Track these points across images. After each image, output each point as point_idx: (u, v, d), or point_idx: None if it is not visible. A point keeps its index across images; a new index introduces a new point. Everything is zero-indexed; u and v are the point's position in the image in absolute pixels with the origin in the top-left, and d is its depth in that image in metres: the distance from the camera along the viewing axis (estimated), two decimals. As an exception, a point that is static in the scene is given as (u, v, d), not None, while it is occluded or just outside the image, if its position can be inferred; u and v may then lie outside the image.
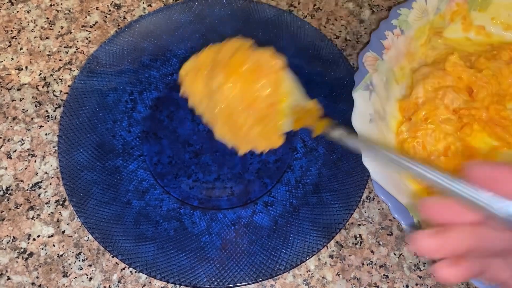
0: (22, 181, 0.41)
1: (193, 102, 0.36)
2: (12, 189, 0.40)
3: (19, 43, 0.47)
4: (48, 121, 0.43)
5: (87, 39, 0.48)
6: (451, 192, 0.23)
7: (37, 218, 0.39)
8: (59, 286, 0.37)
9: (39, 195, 0.40)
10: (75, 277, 0.37)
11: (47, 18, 0.49)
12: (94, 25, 0.48)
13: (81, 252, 0.38)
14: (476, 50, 0.44)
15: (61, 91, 0.45)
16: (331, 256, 0.39)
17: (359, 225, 0.40)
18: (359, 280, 0.38)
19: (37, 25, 0.48)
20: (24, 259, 0.37)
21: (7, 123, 0.43)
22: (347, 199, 0.38)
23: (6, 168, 0.41)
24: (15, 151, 0.42)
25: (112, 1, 0.50)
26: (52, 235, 0.38)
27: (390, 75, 0.41)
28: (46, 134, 0.43)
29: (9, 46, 0.47)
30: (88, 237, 0.38)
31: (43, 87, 0.45)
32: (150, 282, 0.37)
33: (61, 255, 0.38)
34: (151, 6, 0.50)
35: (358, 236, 0.39)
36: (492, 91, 0.40)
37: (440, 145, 0.39)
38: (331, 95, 0.44)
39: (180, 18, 0.46)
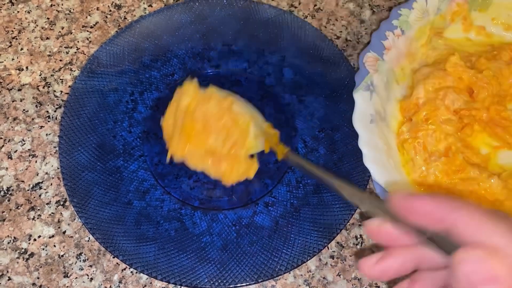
0: (22, 181, 0.41)
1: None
2: (12, 190, 0.40)
3: (19, 44, 0.47)
4: (48, 121, 0.43)
5: (87, 39, 0.48)
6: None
7: (37, 218, 0.39)
8: (60, 286, 0.37)
9: (39, 195, 0.40)
10: (76, 278, 0.37)
11: (48, 18, 0.49)
12: (94, 25, 0.48)
13: (82, 253, 0.38)
14: (476, 50, 0.45)
15: (61, 91, 0.45)
16: (332, 257, 0.39)
17: (360, 225, 0.40)
18: (360, 280, 0.38)
19: (37, 26, 0.48)
20: (25, 260, 0.37)
21: (8, 123, 0.43)
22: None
23: (6, 168, 0.41)
24: (15, 151, 0.42)
25: (113, 2, 0.50)
26: (53, 236, 0.38)
27: (391, 76, 0.41)
28: (46, 134, 0.43)
29: (10, 46, 0.47)
30: (89, 238, 0.38)
31: (43, 88, 0.45)
32: (151, 283, 0.37)
33: (62, 256, 0.38)
34: (151, 6, 0.50)
35: (359, 236, 0.40)
36: (493, 91, 0.41)
37: (441, 145, 0.39)
38: (332, 95, 0.44)
39: (180, 19, 0.46)
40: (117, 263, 0.38)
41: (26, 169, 0.41)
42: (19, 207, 0.39)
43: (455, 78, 0.41)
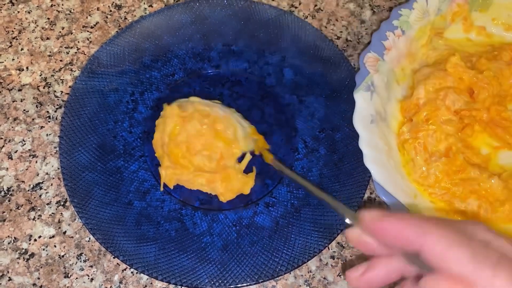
0: (23, 181, 0.41)
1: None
2: (13, 190, 0.40)
3: (20, 44, 0.47)
4: (49, 121, 0.43)
5: (88, 39, 0.48)
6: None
7: (38, 218, 0.39)
8: (60, 287, 0.37)
9: (40, 195, 0.40)
10: (76, 278, 0.37)
11: (48, 18, 0.49)
12: (95, 25, 0.48)
13: (82, 253, 0.38)
14: (477, 50, 0.45)
15: (62, 91, 0.45)
16: (332, 257, 0.39)
17: (360, 225, 0.40)
18: (360, 280, 0.38)
19: (38, 26, 0.48)
20: (25, 260, 0.37)
21: (8, 123, 0.43)
22: (349, 200, 0.38)
23: (7, 168, 0.41)
24: (16, 151, 0.42)
25: (113, 2, 0.50)
26: (53, 236, 0.38)
27: (391, 76, 0.41)
28: (47, 134, 0.43)
29: (10, 46, 0.47)
30: (89, 238, 0.38)
31: (44, 88, 0.45)
32: (151, 283, 0.37)
33: (62, 256, 0.38)
34: (152, 6, 0.50)
35: (359, 236, 0.39)
36: (493, 92, 0.41)
37: (441, 145, 0.39)
38: (332, 95, 0.44)
39: (181, 19, 0.46)
40: (117, 263, 0.38)
41: (27, 169, 0.41)
42: (19, 208, 0.39)
43: (455, 78, 0.41)
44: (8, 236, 0.38)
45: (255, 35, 0.47)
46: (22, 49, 0.47)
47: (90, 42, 0.47)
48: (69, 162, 0.39)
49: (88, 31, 0.48)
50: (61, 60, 0.46)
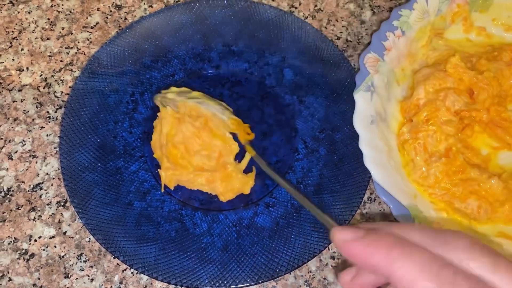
0: (23, 182, 0.41)
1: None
2: (13, 190, 0.40)
3: (20, 44, 0.47)
4: (49, 122, 0.43)
5: (88, 40, 0.48)
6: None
7: (38, 219, 0.39)
8: (60, 287, 0.37)
9: (40, 196, 0.40)
10: (77, 278, 0.37)
11: (48, 19, 0.49)
12: (95, 26, 0.48)
13: (83, 253, 0.38)
14: (477, 51, 0.45)
15: (62, 92, 0.45)
16: (332, 257, 0.39)
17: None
18: (360, 281, 0.38)
19: (38, 26, 0.48)
20: (26, 260, 0.37)
21: (8, 124, 0.43)
22: (349, 200, 0.38)
23: (7, 169, 0.41)
24: (16, 152, 0.42)
25: (113, 2, 0.50)
26: (53, 236, 0.38)
27: (391, 76, 0.41)
28: (47, 135, 0.43)
29: (10, 47, 0.47)
30: (90, 238, 0.38)
31: (44, 88, 0.45)
32: (151, 283, 0.37)
33: (63, 256, 0.38)
34: (152, 7, 0.50)
35: (359, 237, 0.39)
36: (493, 92, 0.41)
37: (441, 146, 0.39)
38: (332, 96, 0.44)
39: (181, 19, 0.46)
40: (117, 263, 0.38)
41: (27, 169, 0.41)
42: (19, 208, 0.39)
43: (455, 79, 0.41)
44: (8, 236, 0.38)
45: (255, 35, 0.47)
46: (22, 50, 0.47)
47: (90, 42, 0.47)
48: (69, 163, 0.39)
49: (88, 31, 0.48)
50: (61, 61, 0.46)
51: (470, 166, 0.38)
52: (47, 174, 0.41)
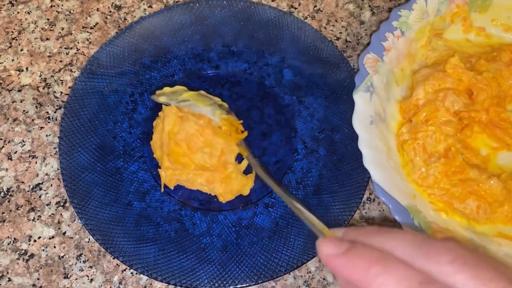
0: (22, 182, 0.41)
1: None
2: (13, 191, 0.40)
3: (19, 44, 0.47)
4: (48, 122, 0.43)
5: (87, 40, 0.48)
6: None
7: (38, 219, 0.39)
8: (60, 287, 0.37)
9: (39, 196, 0.40)
10: (76, 279, 0.37)
11: (48, 19, 0.49)
12: (94, 26, 0.48)
13: (82, 254, 0.38)
14: (476, 51, 0.45)
15: (61, 92, 0.45)
16: (331, 258, 0.39)
17: (360, 226, 0.40)
18: (360, 281, 0.38)
19: (37, 26, 0.48)
20: (25, 261, 0.37)
21: (8, 124, 0.43)
22: (348, 200, 0.38)
23: (7, 169, 0.41)
24: (15, 152, 0.42)
25: (113, 2, 0.50)
26: (53, 237, 0.38)
27: (391, 77, 0.41)
28: (46, 135, 0.43)
29: (10, 47, 0.47)
30: (89, 239, 0.38)
31: (43, 88, 0.45)
32: (151, 284, 0.37)
33: (62, 257, 0.38)
34: (151, 7, 0.50)
35: (358, 237, 0.40)
36: (492, 93, 0.41)
37: (441, 146, 0.39)
38: (332, 96, 0.44)
39: (180, 20, 0.46)
40: (117, 264, 0.38)
41: (26, 170, 0.41)
42: (19, 208, 0.39)
43: (454, 79, 0.41)
44: (8, 236, 0.38)
45: (254, 36, 0.47)
46: (21, 50, 0.47)
47: (90, 42, 0.47)
48: (69, 163, 0.39)
49: (87, 31, 0.48)
50: (60, 61, 0.46)
51: (469, 167, 0.38)
52: (46, 174, 0.41)
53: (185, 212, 0.39)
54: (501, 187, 0.37)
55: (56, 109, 0.44)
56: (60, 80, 0.45)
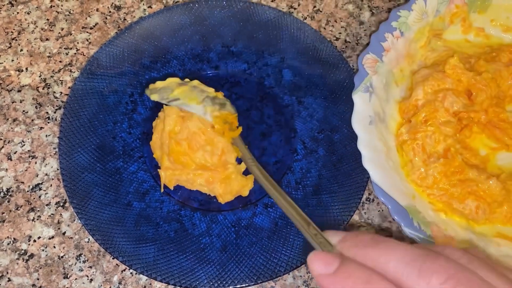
0: (22, 182, 0.41)
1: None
2: (12, 191, 0.40)
3: (19, 45, 0.47)
4: (48, 122, 0.43)
5: (87, 40, 0.48)
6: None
7: (37, 219, 0.39)
8: (59, 287, 0.37)
9: (39, 196, 0.40)
10: (76, 279, 0.37)
11: (47, 19, 0.49)
12: (94, 26, 0.48)
13: (82, 254, 0.38)
14: (475, 52, 0.45)
15: (61, 92, 0.45)
16: (331, 258, 0.39)
17: (359, 226, 0.40)
18: (359, 281, 0.38)
19: (37, 27, 0.48)
20: (25, 261, 0.37)
21: (8, 124, 0.43)
22: (347, 200, 0.38)
23: (6, 169, 0.41)
24: (15, 152, 0.42)
25: (113, 3, 0.50)
26: (52, 237, 0.39)
27: (390, 77, 0.41)
28: (46, 135, 0.43)
29: (9, 47, 0.47)
30: (89, 239, 0.38)
31: (43, 89, 0.45)
32: (150, 284, 0.37)
33: (62, 257, 0.38)
34: (151, 7, 0.50)
35: (358, 237, 0.40)
36: (491, 94, 0.41)
37: (440, 147, 0.39)
38: (331, 97, 0.44)
39: (180, 20, 0.46)
40: (116, 264, 0.38)
41: (26, 170, 0.41)
42: (18, 208, 0.40)
43: (454, 80, 0.41)
44: (8, 237, 0.38)
45: (254, 36, 0.47)
46: (21, 50, 0.47)
47: (90, 43, 0.47)
48: (69, 163, 0.39)
49: (87, 32, 0.48)
50: (60, 61, 0.46)
51: (468, 167, 0.38)
52: (46, 174, 0.41)
53: (185, 212, 0.39)
54: (500, 187, 0.37)
55: (56, 109, 0.44)
56: (60, 81, 0.45)
